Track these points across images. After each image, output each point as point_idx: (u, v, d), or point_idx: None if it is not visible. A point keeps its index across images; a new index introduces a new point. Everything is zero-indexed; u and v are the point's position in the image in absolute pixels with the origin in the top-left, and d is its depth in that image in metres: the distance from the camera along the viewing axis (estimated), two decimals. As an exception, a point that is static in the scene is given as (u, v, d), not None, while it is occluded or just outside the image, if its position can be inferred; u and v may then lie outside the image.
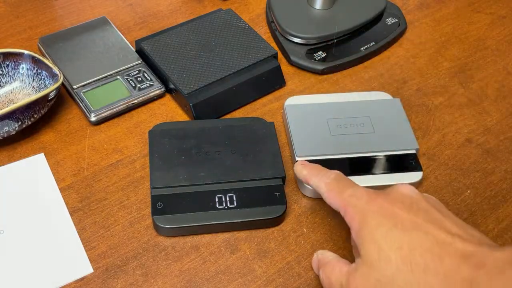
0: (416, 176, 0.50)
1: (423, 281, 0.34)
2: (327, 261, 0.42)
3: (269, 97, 0.59)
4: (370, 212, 0.37)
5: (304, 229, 0.48)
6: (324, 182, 0.42)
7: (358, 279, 0.37)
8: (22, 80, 0.55)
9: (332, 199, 0.41)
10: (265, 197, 0.47)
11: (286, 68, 0.62)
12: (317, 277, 0.45)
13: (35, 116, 0.51)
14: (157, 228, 0.46)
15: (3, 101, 0.54)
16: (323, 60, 0.61)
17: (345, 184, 0.41)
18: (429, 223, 0.36)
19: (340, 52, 0.62)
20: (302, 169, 0.46)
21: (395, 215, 0.37)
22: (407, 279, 0.34)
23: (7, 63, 0.55)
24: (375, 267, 0.36)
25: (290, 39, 0.62)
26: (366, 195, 0.39)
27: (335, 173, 0.43)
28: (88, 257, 0.45)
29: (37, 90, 0.55)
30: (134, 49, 0.60)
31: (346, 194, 0.40)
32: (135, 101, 0.56)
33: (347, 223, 0.39)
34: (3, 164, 0.51)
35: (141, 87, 0.56)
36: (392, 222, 0.36)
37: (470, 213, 0.50)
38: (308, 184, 0.45)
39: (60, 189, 0.49)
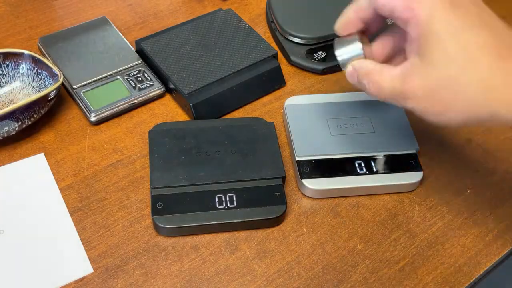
0: (416, 176, 0.50)
1: (486, 79, 0.34)
2: (370, 68, 0.41)
3: (269, 97, 0.59)
4: (440, 7, 0.35)
5: (304, 229, 0.48)
6: None
7: (416, 80, 0.36)
8: (22, 80, 0.55)
9: None
10: (265, 197, 0.47)
11: (286, 68, 0.62)
12: (316, 277, 0.45)
13: (35, 116, 0.51)
14: (157, 228, 0.46)
15: (3, 101, 0.54)
16: (323, 60, 0.61)
17: None
18: (497, 21, 0.36)
19: (340, 52, 0.62)
20: None
21: (466, 11, 0.35)
22: (471, 77, 0.34)
23: (7, 63, 0.55)
24: (437, 67, 0.35)
25: (290, 39, 0.62)
26: None
27: None
28: (88, 257, 0.45)
29: (37, 90, 0.55)
30: (134, 49, 0.60)
31: None
32: (135, 101, 0.56)
33: (400, 23, 0.38)
34: (3, 164, 0.51)
35: (141, 87, 0.56)
36: (462, 19, 0.35)
37: (470, 213, 0.50)
38: None
39: (60, 189, 0.49)
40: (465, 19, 0.35)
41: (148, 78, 0.57)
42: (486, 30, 0.35)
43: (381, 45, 0.45)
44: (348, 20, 0.43)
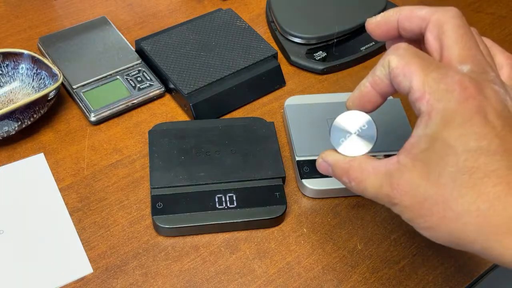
0: (416, 176, 0.50)
1: (485, 211, 0.29)
2: (347, 165, 0.35)
3: (269, 97, 0.59)
4: (460, 116, 0.29)
5: (304, 229, 0.48)
6: (393, 53, 0.32)
7: (403, 185, 0.31)
8: (22, 80, 0.55)
9: (409, 75, 0.31)
10: (265, 197, 0.47)
11: (286, 68, 0.62)
12: (316, 277, 0.45)
13: (35, 116, 0.51)
14: (157, 228, 0.46)
15: (3, 101, 0.54)
16: (323, 60, 0.61)
17: (427, 59, 0.31)
18: None
19: (340, 52, 0.62)
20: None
21: (489, 129, 0.29)
22: (467, 206, 0.29)
23: (7, 63, 0.55)
24: (431, 182, 0.30)
25: (290, 39, 0.62)
26: (458, 86, 0.29)
27: (404, 43, 0.33)
28: (88, 257, 0.45)
29: (37, 90, 0.55)
30: (134, 49, 0.60)
31: (431, 76, 0.30)
32: (135, 101, 0.55)
33: (413, 107, 0.31)
34: (3, 164, 0.51)
35: (141, 87, 0.56)
36: (482, 140, 0.29)
37: (470, 213, 0.50)
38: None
39: (60, 189, 0.49)
40: (487, 139, 0.29)
41: (148, 78, 0.57)
42: (505, 157, 0.29)
43: None
44: (362, 93, 0.36)
